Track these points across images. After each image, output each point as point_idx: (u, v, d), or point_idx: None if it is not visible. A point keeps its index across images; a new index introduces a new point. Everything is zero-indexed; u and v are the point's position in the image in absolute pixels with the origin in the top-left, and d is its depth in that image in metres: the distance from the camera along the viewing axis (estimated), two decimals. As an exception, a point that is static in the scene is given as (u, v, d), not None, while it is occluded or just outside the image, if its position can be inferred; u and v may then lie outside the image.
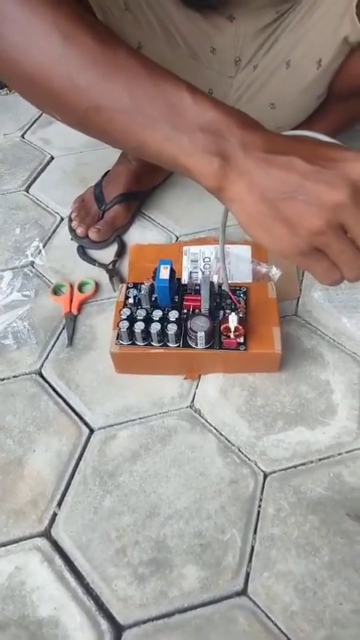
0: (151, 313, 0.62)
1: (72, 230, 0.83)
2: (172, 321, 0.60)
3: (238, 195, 0.39)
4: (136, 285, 0.65)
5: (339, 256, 0.39)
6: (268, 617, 0.47)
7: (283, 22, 0.73)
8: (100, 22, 0.42)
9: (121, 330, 0.60)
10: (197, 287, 0.65)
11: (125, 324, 0.60)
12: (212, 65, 0.76)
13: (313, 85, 0.77)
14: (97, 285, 0.76)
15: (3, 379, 0.66)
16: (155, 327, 0.60)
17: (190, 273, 0.72)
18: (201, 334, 0.59)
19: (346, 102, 0.79)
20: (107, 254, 0.81)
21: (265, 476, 0.56)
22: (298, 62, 0.75)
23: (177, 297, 0.64)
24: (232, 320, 0.60)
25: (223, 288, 0.64)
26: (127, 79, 0.40)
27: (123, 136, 0.42)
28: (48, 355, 0.68)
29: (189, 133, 0.39)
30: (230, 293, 0.64)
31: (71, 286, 0.75)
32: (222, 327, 0.61)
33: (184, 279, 0.69)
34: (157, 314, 0.61)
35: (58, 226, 0.86)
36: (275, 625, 0.46)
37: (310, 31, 0.72)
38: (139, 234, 0.84)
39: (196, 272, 0.72)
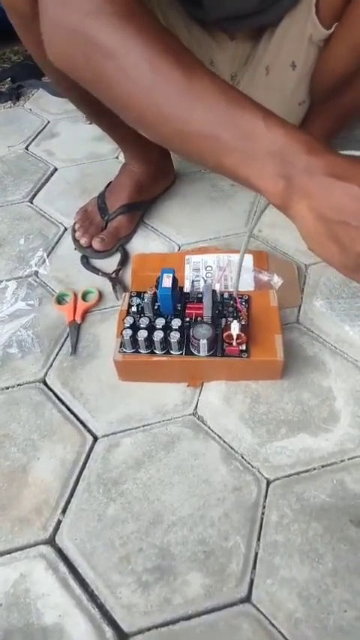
0: (154, 321, 0.62)
1: (76, 240, 0.84)
2: (175, 329, 0.61)
3: (300, 213, 0.43)
4: (139, 294, 0.66)
5: None
6: (273, 625, 0.47)
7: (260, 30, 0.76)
8: (181, 45, 0.45)
9: (125, 338, 0.61)
10: (199, 295, 0.66)
11: (128, 333, 0.61)
12: None
13: (293, 91, 0.79)
14: (101, 294, 0.76)
15: (7, 387, 0.66)
16: (158, 335, 0.60)
17: (193, 281, 0.73)
18: (203, 342, 0.60)
19: (329, 103, 0.81)
20: (110, 263, 0.82)
21: (269, 483, 0.56)
22: (275, 66, 0.78)
23: (179, 305, 0.65)
24: (235, 328, 0.60)
25: (232, 293, 0.65)
26: (207, 108, 0.43)
27: (202, 157, 0.46)
28: (52, 363, 0.68)
29: (260, 158, 0.43)
30: (237, 298, 0.65)
31: (75, 295, 0.76)
32: (224, 335, 0.61)
33: (187, 288, 0.70)
34: (160, 322, 0.62)
35: (61, 236, 0.87)
36: (279, 632, 0.46)
37: (281, 34, 0.75)
38: (141, 244, 0.85)
39: (199, 280, 0.73)
